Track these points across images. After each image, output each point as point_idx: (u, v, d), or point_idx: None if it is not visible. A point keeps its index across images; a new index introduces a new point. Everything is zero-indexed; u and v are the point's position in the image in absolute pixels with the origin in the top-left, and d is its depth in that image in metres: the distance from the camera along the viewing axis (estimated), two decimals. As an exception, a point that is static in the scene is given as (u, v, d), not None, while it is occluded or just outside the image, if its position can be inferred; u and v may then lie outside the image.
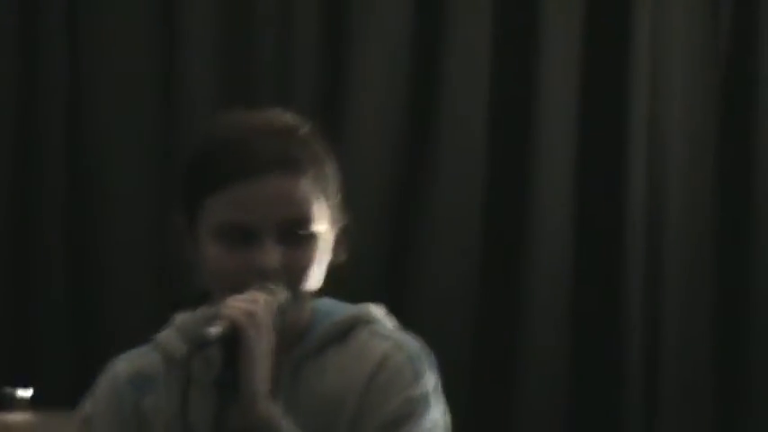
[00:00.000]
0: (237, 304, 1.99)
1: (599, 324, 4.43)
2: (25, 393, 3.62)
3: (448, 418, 2.15)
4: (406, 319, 2.29)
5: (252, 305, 2.01)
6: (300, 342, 2.14)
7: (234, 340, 1.98)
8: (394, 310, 2.27)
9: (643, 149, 4.44)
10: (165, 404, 2.10)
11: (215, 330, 1.95)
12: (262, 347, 2.01)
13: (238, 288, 2.03)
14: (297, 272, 2.08)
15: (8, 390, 3.61)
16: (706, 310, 4.51)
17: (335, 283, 2.17)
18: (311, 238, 2.10)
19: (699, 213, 4.50)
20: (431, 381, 2.15)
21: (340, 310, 2.20)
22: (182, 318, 2.17)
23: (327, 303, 2.19)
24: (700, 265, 4.49)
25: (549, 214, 4.40)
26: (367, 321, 2.20)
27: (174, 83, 4.36)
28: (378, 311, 2.22)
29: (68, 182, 4.29)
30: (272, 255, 2.06)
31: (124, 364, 2.20)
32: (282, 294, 2.05)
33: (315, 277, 2.11)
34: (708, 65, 4.47)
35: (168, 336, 2.15)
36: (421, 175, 4.43)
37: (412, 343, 2.17)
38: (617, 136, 4.44)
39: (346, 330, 2.18)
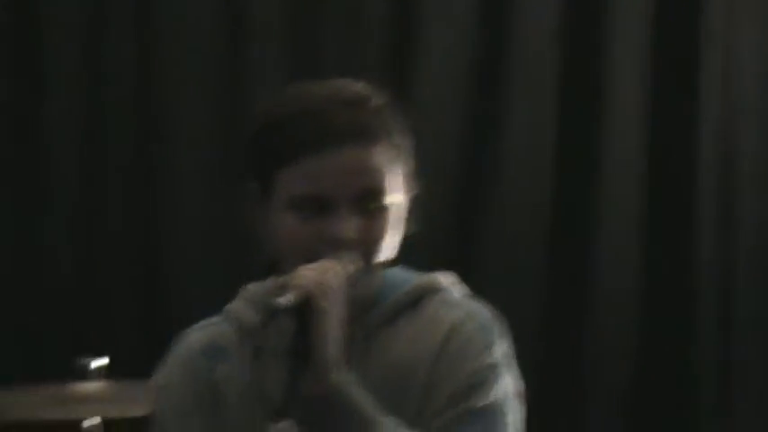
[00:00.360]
0: (309, 273, 1.97)
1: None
2: (100, 363, 3.58)
3: (520, 386, 2.12)
4: (476, 286, 2.25)
5: (324, 275, 1.98)
6: (371, 311, 2.12)
7: (306, 309, 1.95)
8: (463, 277, 2.23)
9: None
10: (239, 374, 2.10)
11: (287, 299, 1.92)
12: (333, 317, 1.98)
13: (311, 258, 2.01)
14: (370, 243, 2.06)
15: (84, 359, 3.58)
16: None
17: (406, 252, 2.14)
18: (385, 210, 2.07)
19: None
20: (502, 348, 2.13)
21: (410, 279, 2.17)
22: (252, 288, 2.15)
23: (398, 273, 2.16)
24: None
25: (620, 170, 4.45)
26: (437, 290, 2.17)
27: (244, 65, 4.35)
28: (448, 280, 2.20)
29: (136, 155, 4.34)
30: (348, 225, 2.04)
31: (197, 335, 2.19)
32: (354, 265, 2.03)
33: (388, 248, 2.09)
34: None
35: (240, 306, 2.14)
36: (490, 144, 4.45)
37: (483, 311, 2.14)
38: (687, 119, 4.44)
39: (417, 299, 2.15)
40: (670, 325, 4.38)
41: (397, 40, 4.34)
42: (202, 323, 2.20)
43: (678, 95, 4.37)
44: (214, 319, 2.17)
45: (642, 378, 4.37)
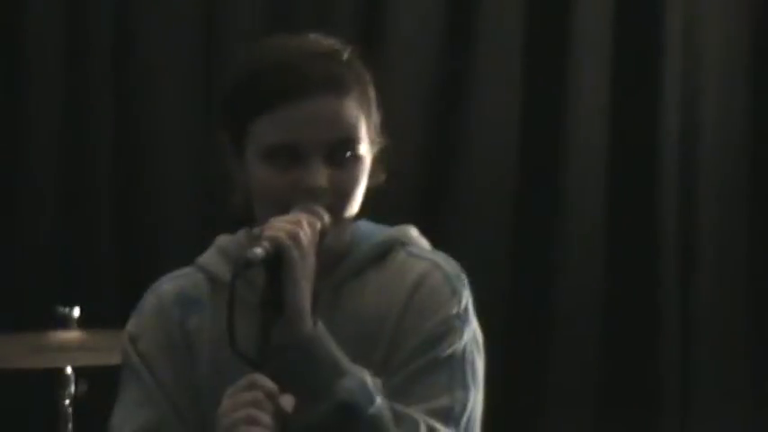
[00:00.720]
0: (281, 225, 1.97)
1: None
2: (74, 312, 3.54)
3: (480, 335, 2.15)
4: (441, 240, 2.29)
5: (296, 226, 1.97)
6: (340, 264, 2.13)
7: (277, 260, 1.95)
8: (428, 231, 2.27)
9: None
10: (211, 324, 2.10)
11: (259, 251, 1.92)
12: (305, 267, 1.97)
13: (284, 209, 2.02)
14: (342, 193, 2.06)
15: (60, 309, 3.54)
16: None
17: (373, 204, 2.16)
18: (357, 160, 2.08)
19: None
20: (466, 299, 2.13)
21: (378, 232, 2.19)
22: (224, 239, 2.17)
23: (366, 226, 2.18)
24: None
25: (585, 143, 4.46)
26: (404, 243, 2.18)
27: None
28: (414, 232, 2.21)
29: (116, 109, 4.31)
30: (320, 174, 2.03)
31: (169, 285, 2.19)
32: (326, 216, 2.02)
33: (357, 199, 2.10)
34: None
35: (212, 257, 2.14)
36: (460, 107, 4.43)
37: (448, 262, 2.15)
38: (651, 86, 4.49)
39: (384, 252, 2.16)
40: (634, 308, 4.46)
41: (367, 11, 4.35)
42: (174, 273, 2.20)
43: (640, 77, 4.46)
44: (186, 270, 2.16)
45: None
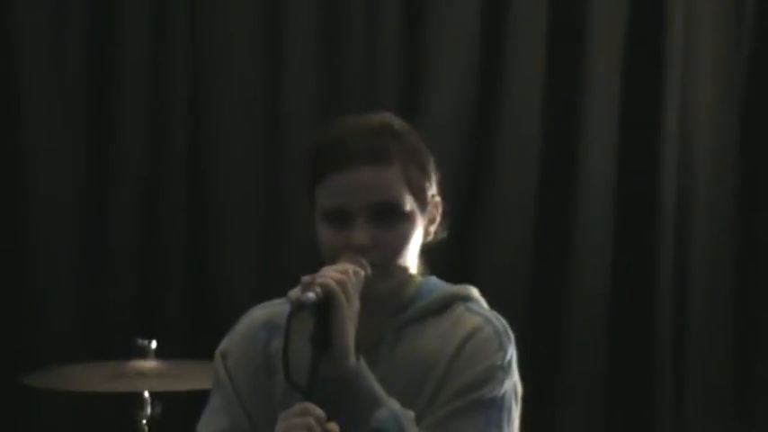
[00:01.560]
0: (330, 273, 2.06)
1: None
2: (151, 344, 3.65)
3: (520, 388, 2.22)
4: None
5: (342, 275, 2.06)
6: (405, 310, 2.21)
7: (326, 304, 2.03)
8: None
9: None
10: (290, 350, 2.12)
11: (311, 295, 2.01)
12: (350, 310, 2.05)
13: (336, 261, 2.11)
14: (386, 249, 2.14)
15: (139, 341, 3.64)
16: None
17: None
18: (401, 220, 2.15)
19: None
20: (510, 354, 2.19)
21: (443, 287, 2.27)
22: (310, 278, 2.16)
23: (433, 281, 2.27)
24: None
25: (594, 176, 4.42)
26: (464, 298, 2.25)
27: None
28: (474, 292, 2.28)
29: (190, 164, 4.33)
30: (362, 233, 2.12)
31: (260, 312, 2.29)
32: (368, 267, 2.11)
33: (407, 253, 2.18)
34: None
35: (299, 290, 2.14)
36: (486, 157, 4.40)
37: (499, 320, 2.22)
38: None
39: (445, 305, 2.23)
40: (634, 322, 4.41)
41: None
42: (268, 302, 2.31)
43: (643, 112, 4.41)
44: (278, 300, 2.27)
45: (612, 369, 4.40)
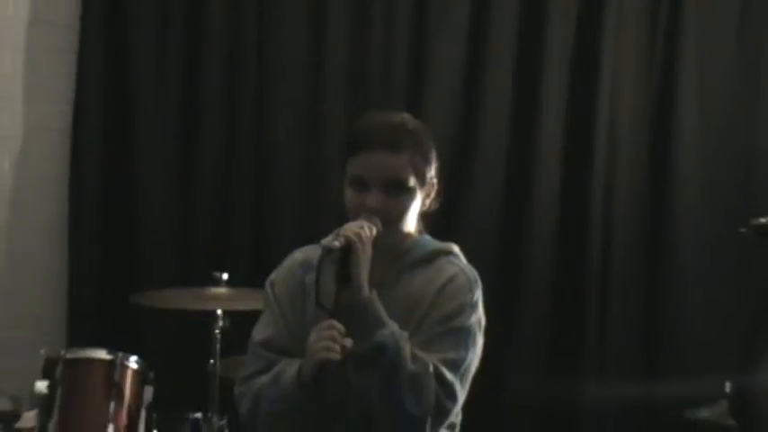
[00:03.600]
0: (351, 227, 2.20)
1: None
2: (223, 276, 3.77)
3: (484, 321, 2.32)
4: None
5: (360, 229, 2.19)
6: (404, 259, 2.33)
7: (348, 250, 2.15)
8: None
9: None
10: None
11: (336, 243, 2.15)
12: (365, 255, 2.17)
13: (356, 218, 2.23)
14: (392, 212, 2.26)
15: (215, 273, 3.77)
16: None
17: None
18: (403, 193, 2.26)
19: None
20: (479, 297, 2.32)
21: (432, 243, 2.39)
22: (341, 229, 2.31)
23: (425, 239, 2.40)
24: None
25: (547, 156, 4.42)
26: (447, 253, 2.38)
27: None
28: (455, 248, 2.40)
29: (256, 150, 4.47)
30: (375, 199, 2.24)
31: (299, 254, 2.41)
32: (379, 224, 2.23)
33: (407, 217, 2.28)
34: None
35: (330, 239, 2.28)
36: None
37: (471, 271, 2.36)
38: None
39: (433, 257, 2.36)
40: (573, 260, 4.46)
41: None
42: (305, 247, 2.40)
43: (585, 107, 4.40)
44: (312, 246, 2.37)
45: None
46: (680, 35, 4.29)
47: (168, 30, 4.37)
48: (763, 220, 3.28)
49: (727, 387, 3.46)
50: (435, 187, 2.33)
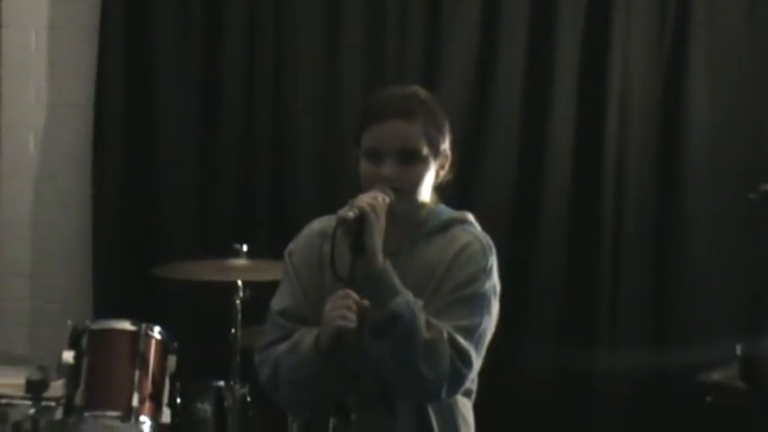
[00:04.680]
0: (365, 198, 2.19)
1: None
2: (243, 247, 3.80)
3: (498, 288, 2.32)
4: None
5: (373, 200, 2.18)
6: (419, 228, 2.32)
7: (362, 220, 2.14)
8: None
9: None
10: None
11: (351, 214, 2.14)
12: (378, 225, 2.15)
13: (371, 188, 2.21)
14: (406, 181, 2.25)
15: (235, 244, 3.79)
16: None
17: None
18: (418, 162, 2.24)
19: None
20: (493, 263, 2.30)
21: (448, 212, 2.38)
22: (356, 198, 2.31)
23: (441, 208, 2.38)
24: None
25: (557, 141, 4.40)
26: (461, 221, 2.36)
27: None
28: (470, 216, 2.38)
29: (274, 124, 4.47)
30: (389, 168, 2.23)
31: (317, 224, 2.40)
32: (392, 194, 2.21)
33: (421, 186, 2.26)
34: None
35: (345, 210, 2.23)
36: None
37: (486, 238, 2.34)
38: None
39: (448, 226, 2.34)
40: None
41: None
42: (322, 218, 2.40)
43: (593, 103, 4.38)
44: (329, 216, 2.34)
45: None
46: (689, 16, 4.23)
47: (189, 4, 4.37)
48: (770, 185, 3.32)
49: (738, 350, 3.52)
50: (449, 159, 2.31)
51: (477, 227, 2.35)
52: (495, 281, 2.28)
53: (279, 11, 4.39)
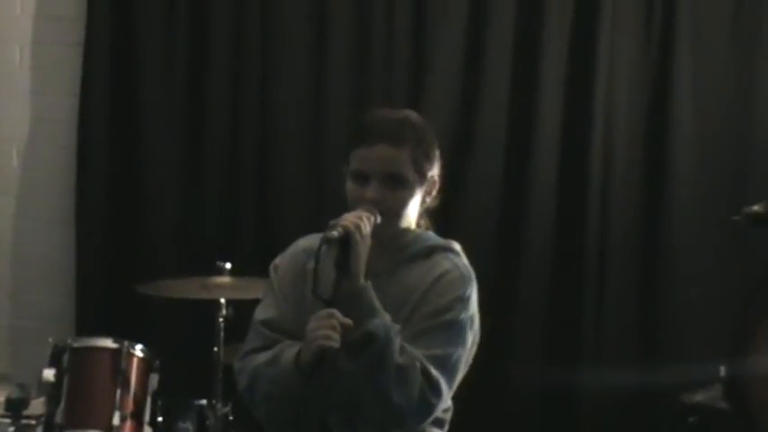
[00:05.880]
0: (350, 217, 2.20)
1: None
2: (227, 265, 3.78)
3: (477, 320, 2.32)
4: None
5: (358, 219, 2.19)
6: (402, 252, 2.33)
7: (346, 240, 2.15)
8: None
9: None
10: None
11: (335, 233, 2.15)
12: (363, 245, 2.17)
13: (357, 209, 2.24)
14: (389, 205, 2.26)
15: (218, 263, 3.78)
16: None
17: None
18: (402, 187, 2.26)
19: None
20: (471, 294, 2.30)
21: (433, 239, 2.39)
22: (333, 221, 2.31)
23: (428, 234, 2.39)
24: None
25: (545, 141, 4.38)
26: (446, 249, 2.37)
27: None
28: (456, 246, 2.39)
29: (260, 141, 4.46)
30: (374, 191, 2.25)
31: (304, 241, 2.43)
32: (377, 216, 2.23)
33: (406, 211, 2.28)
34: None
35: (329, 229, 2.26)
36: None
37: (468, 268, 2.35)
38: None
39: (431, 252, 2.35)
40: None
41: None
42: (309, 236, 2.41)
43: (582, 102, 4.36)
44: (317, 235, 2.33)
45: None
46: (675, 29, 4.23)
47: (174, 22, 4.35)
48: (755, 207, 3.32)
49: (722, 371, 3.52)
50: (437, 185, 2.32)
51: (463, 258, 2.35)
52: (472, 312, 2.28)
53: (264, 24, 4.36)
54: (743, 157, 4.28)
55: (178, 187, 4.42)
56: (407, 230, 2.29)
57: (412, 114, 2.32)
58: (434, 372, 2.18)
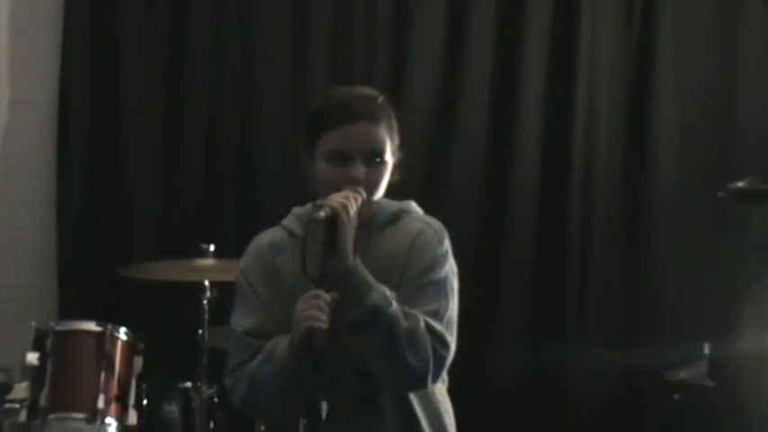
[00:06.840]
0: (337, 197, 2.18)
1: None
2: (210, 247, 3.80)
3: (455, 267, 2.35)
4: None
5: (345, 199, 2.18)
6: (371, 223, 2.31)
7: (334, 220, 2.14)
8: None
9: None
10: (291, 262, 2.26)
11: (322, 213, 2.13)
12: (350, 225, 2.16)
13: (337, 191, 2.21)
14: (373, 183, 2.27)
15: (202, 245, 3.80)
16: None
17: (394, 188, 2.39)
18: (383, 164, 2.28)
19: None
20: (447, 245, 2.33)
21: (392, 204, 2.39)
22: (298, 209, 2.41)
23: (385, 201, 2.37)
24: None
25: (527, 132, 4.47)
26: (408, 211, 2.39)
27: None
28: (414, 205, 2.42)
29: (241, 123, 4.49)
30: (360, 170, 2.24)
31: (265, 237, 2.41)
32: (363, 195, 2.23)
33: (382, 187, 2.31)
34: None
35: (291, 221, 2.38)
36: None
37: (436, 222, 2.38)
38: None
39: (396, 217, 2.37)
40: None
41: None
42: (267, 230, 2.42)
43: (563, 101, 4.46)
44: (274, 228, 2.39)
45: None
46: (656, 18, 4.27)
47: (154, 0, 4.36)
48: (740, 184, 3.34)
49: (706, 349, 3.54)
50: (398, 159, 2.32)
51: (421, 212, 2.37)
52: (452, 262, 2.32)
53: (244, 14, 4.36)
54: (724, 139, 4.31)
55: (160, 169, 4.41)
56: (369, 203, 2.30)
57: (374, 91, 2.31)
58: (438, 326, 2.20)
